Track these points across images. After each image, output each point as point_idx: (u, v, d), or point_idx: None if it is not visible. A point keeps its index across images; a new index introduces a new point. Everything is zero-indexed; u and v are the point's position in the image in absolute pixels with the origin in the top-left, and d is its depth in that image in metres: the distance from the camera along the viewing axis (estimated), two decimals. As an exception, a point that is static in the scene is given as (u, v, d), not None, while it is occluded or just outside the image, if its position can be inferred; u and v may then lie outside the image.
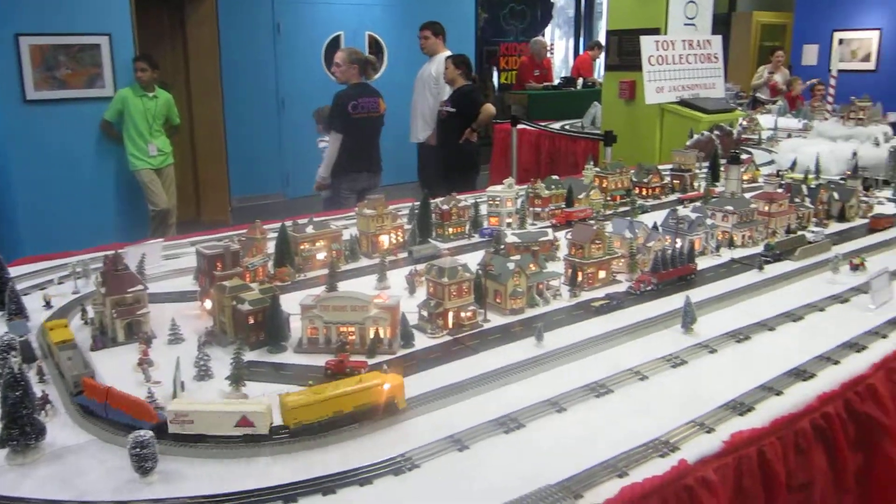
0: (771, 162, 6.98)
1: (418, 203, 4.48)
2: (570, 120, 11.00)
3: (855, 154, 5.99)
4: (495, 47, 14.33)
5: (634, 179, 5.66)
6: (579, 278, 3.50)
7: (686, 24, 7.76)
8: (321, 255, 3.80)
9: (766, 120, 9.79)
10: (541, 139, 10.22)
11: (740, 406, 2.36)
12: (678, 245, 3.95)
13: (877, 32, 13.48)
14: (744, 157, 6.29)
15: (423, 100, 8.70)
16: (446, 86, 8.18)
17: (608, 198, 5.25)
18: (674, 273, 3.53)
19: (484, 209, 4.76)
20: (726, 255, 4.01)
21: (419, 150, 8.82)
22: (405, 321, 2.82)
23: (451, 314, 2.96)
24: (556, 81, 13.11)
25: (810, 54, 14.34)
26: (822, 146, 6.53)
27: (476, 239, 4.45)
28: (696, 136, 7.23)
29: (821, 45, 14.20)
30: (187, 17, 10.83)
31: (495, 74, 14.92)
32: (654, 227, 3.96)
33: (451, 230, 4.47)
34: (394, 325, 2.77)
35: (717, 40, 8.00)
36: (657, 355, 2.74)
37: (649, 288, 3.45)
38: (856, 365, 2.67)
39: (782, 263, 3.84)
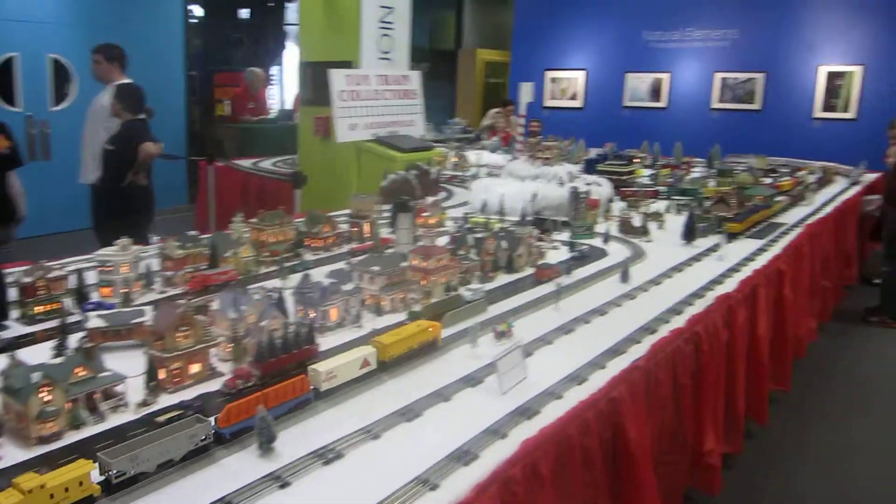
0: (464, 203, 6.73)
1: None
2: (290, 156, 10.27)
3: (534, 196, 5.83)
4: (208, 76, 13.25)
5: (304, 230, 5.04)
6: (161, 376, 2.71)
7: (381, 59, 7.36)
8: None
9: (482, 158, 9.78)
10: (250, 179, 9.36)
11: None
12: (312, 317, 3.33)
13: (583, 73, 14.30)
14: (429, 199, 5.94)
15: (93, 135, 7.48)
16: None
17: (266, 254, 4.55)
18: (286, 360, 2.86)
19: (94, 277, 3.83)
20: (370, 325, 3.44)
21: (91, 193, 7.57)
22: None
23: None
24: (273, 115, 12.35)
25: (526, 92, 14.88)
26: (511, 186, 6.37)
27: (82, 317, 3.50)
28: (391, 177, 6.81)
29: (536, 82, 14.81)
30: None
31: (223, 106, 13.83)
32: (281, 298, 3.29)
33: (38, 309, 3.48)
34: None
35: (416, 76, 7.70)
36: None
37: (250, 384, 2.74)
38: None
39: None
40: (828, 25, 11.95)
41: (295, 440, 2.29)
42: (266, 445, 2.26)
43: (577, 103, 14.46)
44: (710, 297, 3.92)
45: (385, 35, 7.29)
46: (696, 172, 9.11)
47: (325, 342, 3.20)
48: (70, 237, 7.89)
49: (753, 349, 4.44)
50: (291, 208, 7.15)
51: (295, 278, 3.99)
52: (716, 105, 13.00)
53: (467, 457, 2.20)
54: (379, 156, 6.95)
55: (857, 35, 11.73)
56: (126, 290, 3.82)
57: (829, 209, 6.88)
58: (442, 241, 4.39)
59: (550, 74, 14.65)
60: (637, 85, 13.70)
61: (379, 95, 7.12)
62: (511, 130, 13.58)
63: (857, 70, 11.71)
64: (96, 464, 1.90)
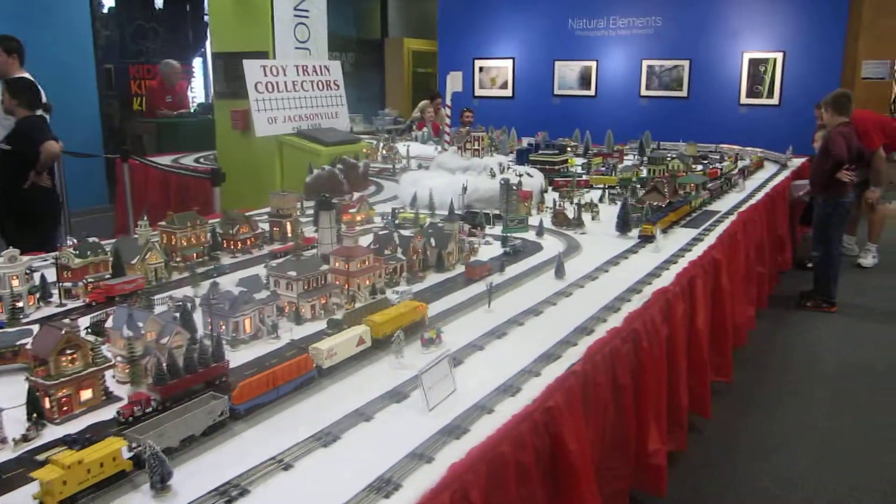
0: (394, 197, 6.46)
1: None
2: (211, 151, 9.80)
3: (464, 188, 5.61)
4: (123, 69, 12.56)
5: (220, 231, 4.70)
6: (46, 406, 2.38)
7: (298, 48, 7.01)
8: None
9: (412, 150, 9.50)
10: (168, 177, 8.86)
11: None
12: (222, 330, 3.03)
13: (511, 61, 14.16)
14: (356, 195, 5.66)
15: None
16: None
17: (178, 259, 4.20)
18: (190, 381, 2.56)
19: (-23, 292, 3.43)
20: (290, 335, 3.15)
21: (-8, 196, 7.02)
22: None
23: None
24: (194, 108, 11.80)
25: (456, 81, 14.66)
26: (440, 179, 6.13)
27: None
28: (315, 172, 6.49)
29: (464, 72, 14.60)
30: None
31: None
32: (184, 310, 2.98)
33: None
34: None
35: (336, 66, 7.37)
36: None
37: (149, 410, 2.43)
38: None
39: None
40: (750, 12, 12.09)
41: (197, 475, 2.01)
42: (159, 484, 1.97)
43: (507, 92, 14.32)
44: (648, 291, 3.77)
45: (300, 24, 6.93)
46: (629, 160, 9.06)
47: (238, 356, 2.91)
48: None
49: (694, 342, 4.32)
50: (211, 207, 6.77)
51: (206, 285, 3.68)
52: (644, 93, 13.03)
53: (388, 487, 1.96)
54: (302, 150, 6.61)
55: (777, 21, 11.90)
56: (16, 306, 3.45)
57: (760, 195, 6.87)
58: (367, 239, 4.12)
59: (479, 63, 14.46)
60: (566, 73, 13.63)
61: (298, 87, 6.77)
62: (439, 121, 13.37)
63: (778, 56, 11.89)
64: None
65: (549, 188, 6.80)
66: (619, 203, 5.33)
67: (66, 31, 11.58)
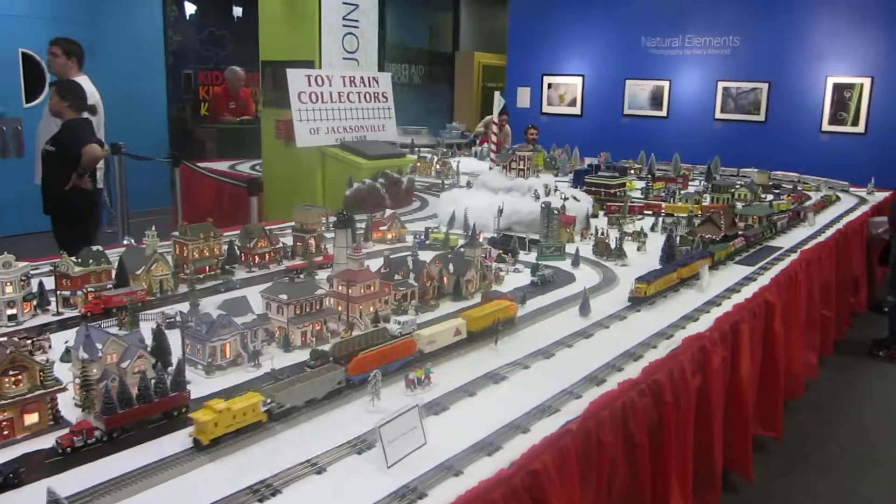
0: (434, 216, 6.21)
1: None
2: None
3: (500, 211, 5.30)
4: (191, 75, 12.77)
5: (238, 244, 4.54)
6: (-17, 431, 2.22)
7: (346, 59, 6.84)
8: None
9: (467, 164, 9.26)
10: (214, 184, 8.87)
11: None
12: (199, 354, 2.83)
13: (581, 78, 13.77)
14: (389, 212, 5.43)
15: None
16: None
17: (190, 271, 4.05)
18: (143, 412, 2.35)
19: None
20: (275, 362, 2.92)
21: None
22: None
23: None
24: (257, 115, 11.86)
25: (524, 97, 14.39)
26: (480, 199, 5.85)
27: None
28: (355, 185, 6.30)
29: (532, 87, 14.30)
30: None
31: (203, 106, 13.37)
32: (159, 331, 2.79)
33: None
34: None
35: (386, 78, 7.18)
36: None
37: (91, 441, 2.24)
38: None
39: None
40: (835, 34, 11.36)
41: None
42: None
43: (575, 110, 13.92)
44: (679, 337, 3.39)
45: (349, 34, 6.76)
46: (693, 186, 8.57)
47: (213, 384, 2.70)
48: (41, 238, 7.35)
49: (735, 394, 3.90)
50: (248, 217, 6.67)
51: (213, 300, 3.50)
52: (719, 115, 12.42)
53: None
54: (343, 162, 6.44)
55: (865, 45, 11.13)
56: (12, 313, 3.35)
57: (830, 231, 6.31)
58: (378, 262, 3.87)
59: (548, 80, 14.11)
60: (637, 92, 13.14)
61: (344, 98, 6.61)
62: (503, 137, 13.09)
63: (865, 81, 11.12)
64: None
65: (602, 213, 6.43)
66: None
67: (137, 35, 11.84)
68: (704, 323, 3.65)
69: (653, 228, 5.92)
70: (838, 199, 8.30)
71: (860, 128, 11.24)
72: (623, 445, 2.81)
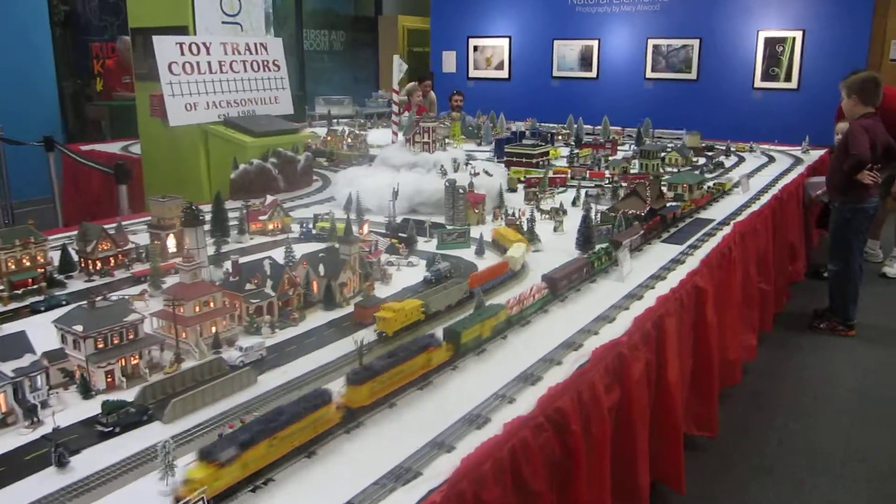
0: (332, 199, 5.51)
1: None
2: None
3: (395, 192, 4.64)
4: (84, 47, 11.65)
5: (76, 248, 3.78)
6: None
7: (227, 23, 6.03)
8: None
9: (380, 137, 8.50)
10: (94, 171, 7.93)
11: None
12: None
13: (507, 40, 13.09)
14: (269, 199, 4.72)
15: None
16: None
17: (4, 286, 3.30)
18: None
19: None
20: (65, 415, 2.23)
21: None
22: None
23: None
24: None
25: (449, 61, 13.67)
26: (382, 178, 5.17)
27: None
28: (242, 166, 5.55)
29: (457, 51, 13.58)
30: None
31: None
32: None
33: None
34: None
35: (276, 43, 6.38)
36: None
37: None
38: None
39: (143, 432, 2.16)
40: (766, -15, 10.93)
41: None
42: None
43: (503, 74, 13.25)
44: (589, 346, 2.80)
45: (228, -7, 5.95)
46: (623, 152, 8.04)
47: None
48: None
49: (662, 400, 3.35)
50: (115, 208, 5.87)
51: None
52: (650, 75, 11.92)
53: None
54: (228, 141, 5.66)
55: (796, -4, 10.73)
56: None
57: (766, 198, 5.82)
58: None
59: (473, 42, 13.39)
60: (566, 53, 12.54)
61: (226, 68, 5.81)
62: (427, 105, 12.36)
63: (797, 35, 10.71)
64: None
65: (523, 188, 5.82)
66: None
67: (16, 4, 10.70)
68: (623, 323, 3.07)
69: (574, 203, 5.34)
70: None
71: (793, 83, 10.88)
72: (514, 497, 2.21)
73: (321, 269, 3.23)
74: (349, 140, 8.30)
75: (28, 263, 3.43)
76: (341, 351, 2.73)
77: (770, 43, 10.92)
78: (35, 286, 3.42)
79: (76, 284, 3.56)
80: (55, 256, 3.64)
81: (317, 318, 3.11)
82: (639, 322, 3.09)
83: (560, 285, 3.35)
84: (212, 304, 2.77)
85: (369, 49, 16.87)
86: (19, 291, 3.35)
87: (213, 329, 2.75)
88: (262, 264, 3.08)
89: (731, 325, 4.52)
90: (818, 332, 6.38)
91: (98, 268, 3.70)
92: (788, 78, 10.87)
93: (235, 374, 2.43)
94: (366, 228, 3.82)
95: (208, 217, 4.34)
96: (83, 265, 3.72)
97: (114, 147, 8.74)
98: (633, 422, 3.00)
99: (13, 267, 3.37)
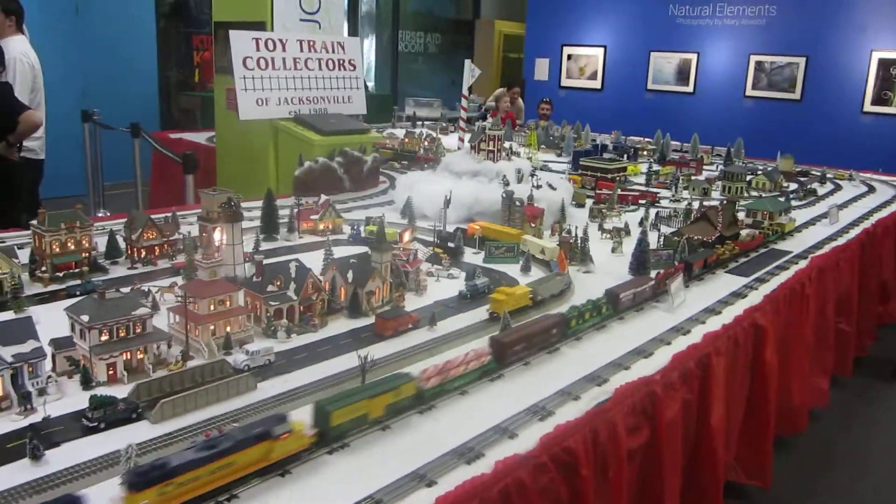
0: (391, 202, 5.44)
1: None
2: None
3: (447, 201, 4.51)
4: (186, 38, 12.06)
5: (124, 235, 3.84)
6: None
7: (304, 20, 6.06)
8: None
9: (448, 142, 8.36)
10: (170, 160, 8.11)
11: None
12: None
13: (602, 49, 12.76)
14: (323, 198, 4.68)
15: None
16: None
17: (44, 269, 3.37)
18: None
19: None
20: (57, 406, 2.22)
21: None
22: None
23: None
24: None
25: (542, 69, 13.45)
26: (442, 184, 5.05)
27: None
28: (306, 164, 5.55)
29: (551, 59, 13.34)
30: None
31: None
32: None
33: None
34: None
35: (353, 43, 6.37)
36: None
37: None
38: None
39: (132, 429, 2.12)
40: (882, 5, 10.17)
41: None
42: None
43: (595, 84, 12.93)
44: (615, 382, 2.59)
45: (308, -9, 5.96)
46: (710, 172, 7.65)
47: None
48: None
49: (701, 445, 3.10)
50: (182, 197, 5.99)
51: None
52: (750, 92, 11.35)
53: None
54: (296, 137, 5.69)
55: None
56: None
57: (855, 231, 5.38)
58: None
59: (568, 50, 13.13)
60: (662, 65, 12.11)
61: (301, 65, 5.83)
62: (515, 112, 12.20)
63: (916, 57, 9.98)
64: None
65: (593, 204, 5.59)
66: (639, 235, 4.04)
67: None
68: (660, 359, 2.84)
69: (641, 223, 5.07)
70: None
71: (907, 109, 10.12)
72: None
73: (350, 275, 3.14)
74: (426, 143, 8.23)
75: (72, 247, 3.49)
76: (332, 368, 2.60)
77: (884, 65, 10.19)
78: (77, 270, 3.48)
79: (119, 271, 3.61)
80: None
81: (340, 325, 3.03)
82: (679, 359, 2.85)
83: (510, 353, 2.64)
84: (228, 304, 2.72)
85: (465, 52, 16.84)
86: (60, 274, 3.42)
87: (227, 329, 2.70)
88: (287, 266, 3.02)
89: (798, 367, 4.17)
90: (902, 383, 5.86)
91: (142, 256, 3.74)
92: (902, 103, 10.14)
93: (233, 378, 2.36)
94: (407, 235, 3.71)
95: (259, 213, 4.38)
96: (130, 253, 3.77)
97: (201, 137, 8.96)
98: (661, 467, 2.77)
99: (57, 250, 3.44)
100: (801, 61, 10.82)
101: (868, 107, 10.40)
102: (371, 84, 17.63)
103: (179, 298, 2.65)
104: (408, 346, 2.83)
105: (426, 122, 11.02)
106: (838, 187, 7.40)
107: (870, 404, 5.53)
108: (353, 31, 17.12)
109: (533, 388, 2.52)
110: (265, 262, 3.07)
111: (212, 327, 2.66)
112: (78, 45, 10.88)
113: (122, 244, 3.78)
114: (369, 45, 17.14)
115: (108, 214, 8.86)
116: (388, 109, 11.68)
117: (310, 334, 2.90)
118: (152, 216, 3.85)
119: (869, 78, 10.32)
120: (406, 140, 8.24)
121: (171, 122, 11.48)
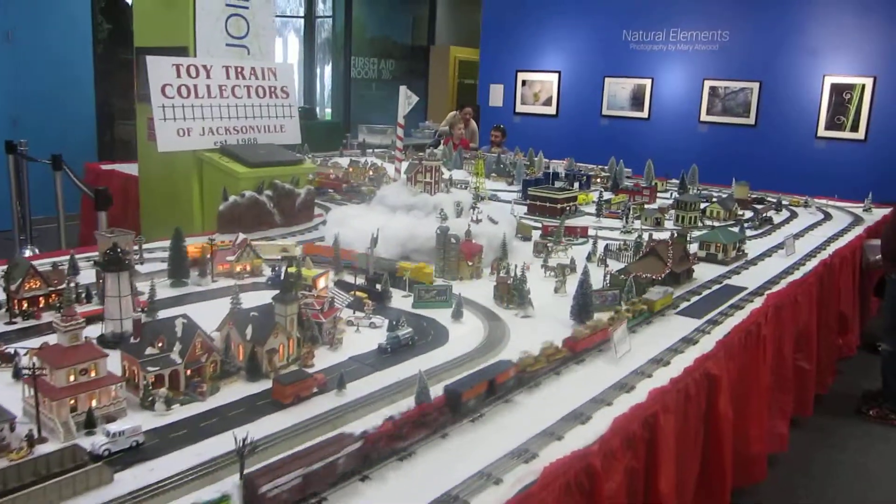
0: (322, 238, 5.06)
1: None
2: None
3: (374, 239, 4.15)
4: (126, 65, 11.63)
5: (3, 285, 3.41)
6: None
7: (231, 45, 5.69)
8: None
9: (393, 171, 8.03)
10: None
11: None
12: None
13: (556, 75, 12.59)
14: (241, 237, 4.28)
15: None
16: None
17: None
18: None
19: None
20: None
21: None
22: None
23: None
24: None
25: (496, 95, 13.24)
26: (375, 219, 4.69)
27: None
28: (232, 198, 5.16)
29: (506, 85, 13.14)
30: None
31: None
32: None
33: None
34: None
35: (287, 69, 6.03)
36: None
37: None
38: None
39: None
40: (834, 29, 10.14)
41: None
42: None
43: (550, 110, 12.75)
44: (547, 456, 2.24)
45: (235, 15, 5.60)
46: (664, 199, 7.42)
47: None
48: None
49: (647, 516, 2.75)
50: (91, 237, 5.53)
51: None
52: (704, 118, 11.24)
53: None
54: (220, 170, 5.30)
55: (867, 41, 9.92)
56: None
57: (812, 263, 5.13)
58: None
59: (522, 76, 12.94)
60: (617, 91, 11.96)
61: (227, 92, 5.46)
62: (468, 137, 11.94)
63: (867, 82, 9.91)
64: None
65: (541, 237, 5.27)
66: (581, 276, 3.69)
67: (61, 22, 10.74)
68: (600, 424, 2.50)
69: (588, 259, 4.76)
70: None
71: (860, 134, 10.05)
72: None
73: (249, 331, 2.75)
74: (370, 173, 7.89)
75: (-65, 301, 3.06)
76: (207, 453, 2.20)
77: (837, 89, 10.13)
78: (-60, 328, 3.05)
79: (-6, 327, 3.18)
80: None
81: (236, 391, 2.63)
82: (621, 423, 2.51)
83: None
84: (93, 373, 2.32)
85: (420, 78, 16.63)
86: None
87: (92, 402, 2.29)
88: (172, 323, 2.62)
89: (756, 414, 3.86)
90: (866, 419, 5.61)
91: (23, 308, 3.31)
92: (855, 128, 10.05)
93: (80, 472, 1.95)
94: (322, 281, 3.35)
95: (167, 255, 3.97)
96: (9, 305, 3.34)
97: (133, 168, 8.51)
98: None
99: (-87, 305, 3.00)
100: (755, 86, 10.73)
101: (822, 132, 10.32)
102: (328, 111, 17.30)
103: (26, 371, 2.24)
104: (310, 415, 2.45)
105: (376, 150, 10.70)
106: (794, 214, 7.21)
107: (832, 446, 5.26)
108: (309, 59, 16.81)
109: (443, 469, 2.15)
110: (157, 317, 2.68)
111: (71, 402, 2.25)
112: (9, 72, 10.39)
113: (2, 295, 3.36)
114: (329, 72, 16.85)
115: (38, 252, 8.37)
116: (341, 136, 11.34)
117: (196, 404, 2.50)
118: (60, 258, 3.43)
119: (822, 103, 10.26)
120: (350, 170, 7.90)
121: (110, 152, 10.99)
